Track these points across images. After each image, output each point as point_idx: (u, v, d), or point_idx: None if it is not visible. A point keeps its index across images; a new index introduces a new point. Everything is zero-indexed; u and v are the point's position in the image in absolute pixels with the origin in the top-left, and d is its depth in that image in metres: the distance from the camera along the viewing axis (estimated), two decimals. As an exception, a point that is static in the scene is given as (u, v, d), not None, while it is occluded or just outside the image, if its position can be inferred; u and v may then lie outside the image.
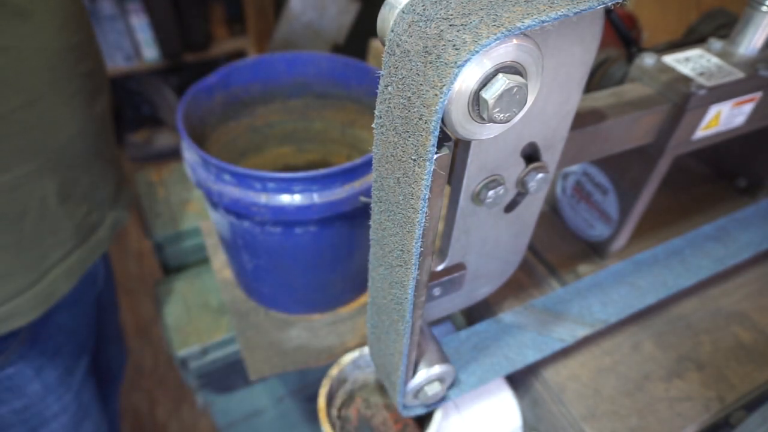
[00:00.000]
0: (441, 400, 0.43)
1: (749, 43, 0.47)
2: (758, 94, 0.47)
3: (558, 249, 0.60)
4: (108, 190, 0.61)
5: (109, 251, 0.70)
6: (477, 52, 0.20)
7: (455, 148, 0.32)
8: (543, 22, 0.21)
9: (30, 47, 0.46)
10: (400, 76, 0.23)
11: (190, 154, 0.51)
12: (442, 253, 0.39)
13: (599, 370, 0.51)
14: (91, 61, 0.54)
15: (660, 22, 1.05)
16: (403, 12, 0.23)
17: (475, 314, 0.59)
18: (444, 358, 0.40)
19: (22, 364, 0.55)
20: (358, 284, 0.63)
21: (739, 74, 0.45)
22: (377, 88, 0.25)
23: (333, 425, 0.44)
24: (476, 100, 0.22)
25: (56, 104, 0.50)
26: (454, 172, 0.33)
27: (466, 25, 0.21)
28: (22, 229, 0.49)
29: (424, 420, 0.46)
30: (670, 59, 0.47)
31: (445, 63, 0.21)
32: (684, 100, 0.43)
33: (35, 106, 0.47)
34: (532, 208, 0.39)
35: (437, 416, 0.44)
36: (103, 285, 0.70)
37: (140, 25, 1.76)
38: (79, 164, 0.54)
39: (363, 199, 0.49)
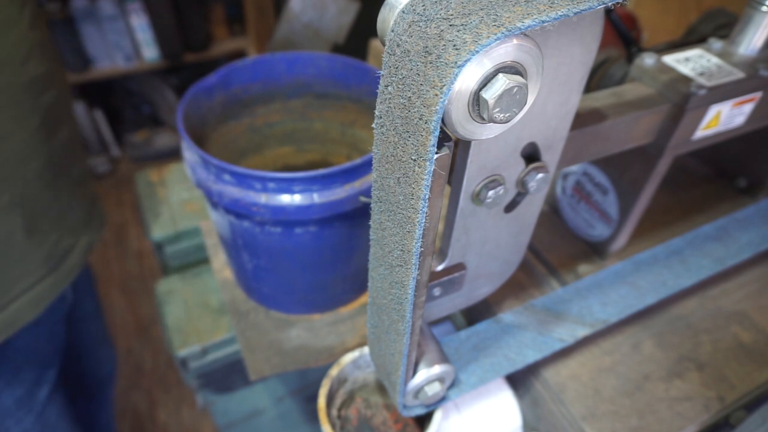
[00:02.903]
0: (441, 400, 0.43)
1: (749, 43, 0.47)
2: (758, 94, 0.47)
3: (558, 249, 0.60)
4: (79, 214, 0.59)
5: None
6: (477, 52, 0.20)
7: (455, 148, 0.32)
8: (543, 22, 0.21)
9: None
10: (400, 76, 0.23)
11: (190, 154, 0.51)
12: (442, 253, 0.39)
13: (599, 370, 0.51)
14: (55, 90, 0.53)
15: (660, 22, 1.05)
16: (403, 12, 0.23)
17: (475, 314, 0.59)
18: (444, 358, 0.40)
19: None
20: (358, 284, 0.63)
21: (739, 74, 0.45)
22: (377, 88, 0.25)
23: (333, 425, 0.44)
24: (476, 100, 0.22)
25: (22, 139, 0.48)
26: (454, 172, 0.33)
27: (466, 25, 0.21)
28: None
29: (424, 420, 0.46)
30: (670, 59, 0.47)
31: (446, 63, 0.21)
32: (684, 100, 0.43)
33: (1, 143, 0.46)
34: (532, 208, 0.39)
35: (437, 416, 0.44)
36: (73, 300, 0.68)
37: (140, 25, 1.76)
38: (46, 195, 0.52)
39: (363, 199, 0.49)
